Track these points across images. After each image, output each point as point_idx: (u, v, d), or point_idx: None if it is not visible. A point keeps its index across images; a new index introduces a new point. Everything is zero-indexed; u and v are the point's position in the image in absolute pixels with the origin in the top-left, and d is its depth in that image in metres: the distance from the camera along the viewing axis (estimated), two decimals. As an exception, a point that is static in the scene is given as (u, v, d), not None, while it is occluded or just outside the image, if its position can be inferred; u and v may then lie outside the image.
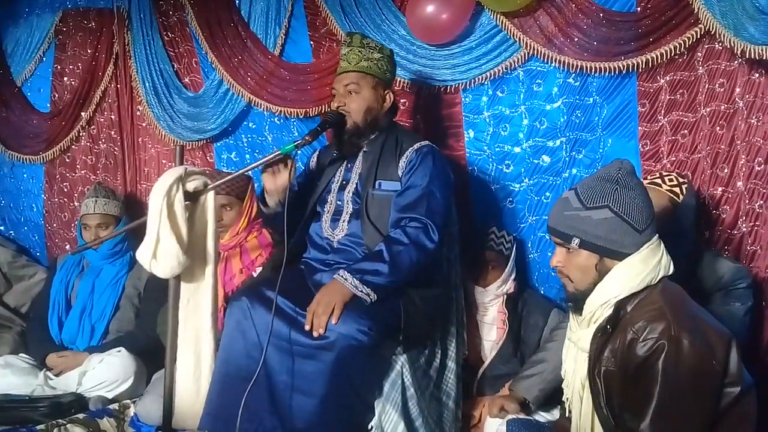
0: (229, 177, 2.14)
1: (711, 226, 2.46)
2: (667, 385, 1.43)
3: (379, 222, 2.24)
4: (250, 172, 2.54)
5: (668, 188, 2.21)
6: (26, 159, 3.69)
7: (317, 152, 2.58)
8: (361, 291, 2.04)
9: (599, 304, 1.59)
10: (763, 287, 2.34)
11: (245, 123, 3.31)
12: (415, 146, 2.31)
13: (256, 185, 2.78)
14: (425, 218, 2.16)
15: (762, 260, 2.35)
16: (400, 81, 2.88)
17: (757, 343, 2.32)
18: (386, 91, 2.39)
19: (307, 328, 1.99)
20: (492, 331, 2.55)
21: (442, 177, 2.28)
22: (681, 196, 2.20)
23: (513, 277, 2.56)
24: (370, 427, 2.08)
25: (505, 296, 2.54)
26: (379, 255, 2.10)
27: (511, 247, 2.59)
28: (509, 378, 2.42)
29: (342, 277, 2.07)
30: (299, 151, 2.15)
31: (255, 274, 2.64)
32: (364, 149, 2.37)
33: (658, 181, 2.24)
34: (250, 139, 3.32)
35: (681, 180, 2.25)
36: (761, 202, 2.36)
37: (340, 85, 2.34)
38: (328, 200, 2.36)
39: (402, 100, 2.94)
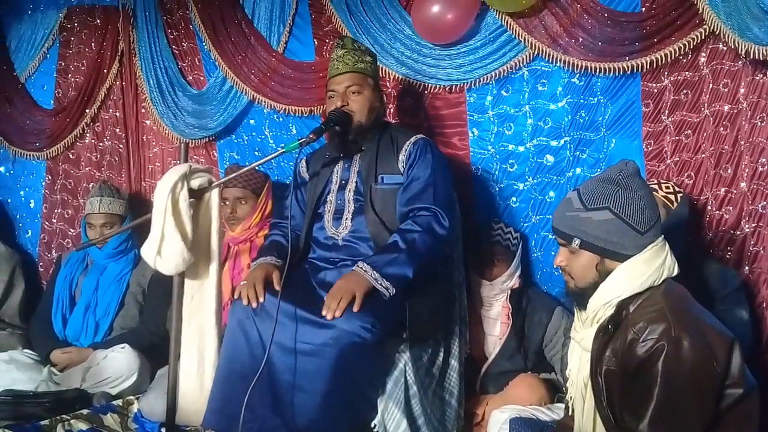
0: (234, 174, 2.17)
1: (714, 227, 2.46)
2: (667, 386, 1.43)
3: (384, 214, 2.26)
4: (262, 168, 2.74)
5: (663, 194, 2.27)
6: (30, 155, 3.68)
7: (303, 161, 2.56)
8: (381, 284, 2.04)
9: (601, 304, 1.60)
10: (764, 288, 2.34)
11: (246, 120, 3.31)
12: (412, 140, 2.36)
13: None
14: (433, 206, 2.19)
15: (765, 261, 2.35)
16: (404, 79, 2.88)
17: (757, 343, 2.31)
18: (380, 93, 2.47)
19: (323, 313, 1.97)
20: (496, 327, 2.56)
21: (443, 167, 2.34)
22: (674, 204, 2.25)
23: (518, 273, 2.58)
24: (373, 425, 2.09)
25: (510, 291, 2.56)
26: (394, 246, 2.12)
27: (517, 243, 2.61)
28: (513, 375, 2.44)
29: (362, 269, 2.07)
30: (301, 149, 2.16)
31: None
32: (362, 148, 2.39)
33: (655, 186, 2.29)
34: (250, 137, 3.31)
35: (677, 189, 2.30)
36: (764, 202, 2.36)
37: (340, 86, 2.35)
38: (329, 200, 2.37)
39: (406, 99, 2.95)
